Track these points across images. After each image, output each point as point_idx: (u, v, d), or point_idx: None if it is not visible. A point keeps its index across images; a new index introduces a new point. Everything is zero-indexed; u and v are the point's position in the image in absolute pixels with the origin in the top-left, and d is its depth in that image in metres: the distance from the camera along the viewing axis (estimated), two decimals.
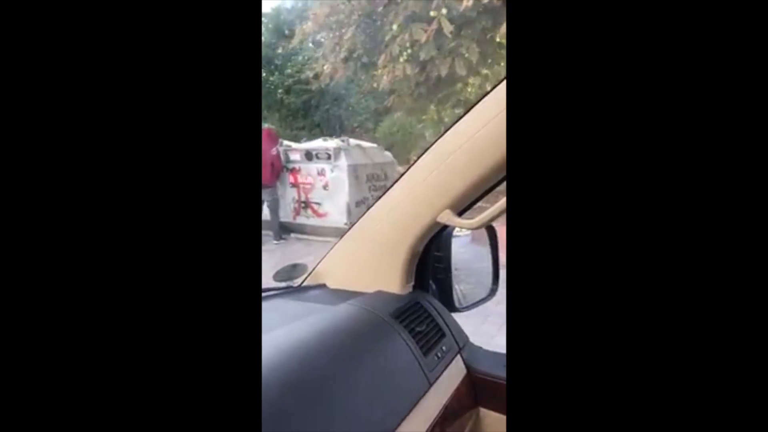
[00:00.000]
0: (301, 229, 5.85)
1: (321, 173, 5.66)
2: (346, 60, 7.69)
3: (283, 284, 0.89)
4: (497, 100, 0.68)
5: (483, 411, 0.79)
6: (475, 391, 0.81)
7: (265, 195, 5.40)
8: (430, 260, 0.88)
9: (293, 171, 5.85)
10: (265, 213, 5.42)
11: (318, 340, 0.62)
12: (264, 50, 12.15)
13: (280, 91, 12.23)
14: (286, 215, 5.85)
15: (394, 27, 6.39)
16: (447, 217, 0.75)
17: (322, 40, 8.44)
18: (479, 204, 0.78)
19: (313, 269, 0.91)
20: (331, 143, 5.72)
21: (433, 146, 0.76)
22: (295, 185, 5.87)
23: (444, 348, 0.78)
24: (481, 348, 0.86)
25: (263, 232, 5.26)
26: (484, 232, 0.96)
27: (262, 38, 12.14)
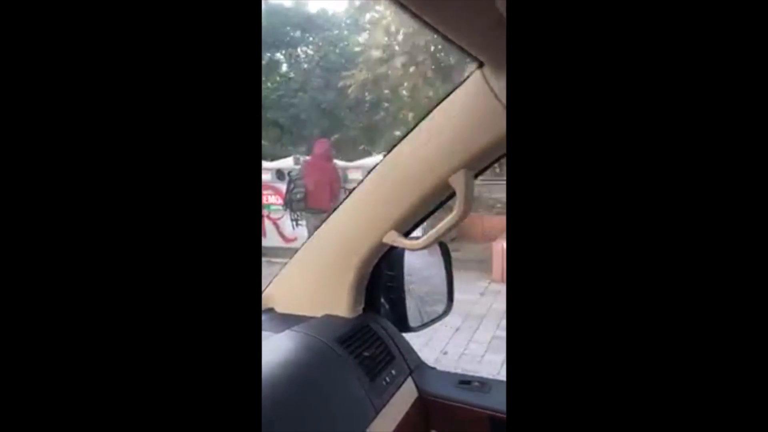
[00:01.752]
0: None
1: None
2: (404, 66, 6.88)
3: None
4: (436, 121, 0.67)
5: None
6: (427, 414, 0.78)
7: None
8: (382, 279, 0.87)
9: None
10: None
11: None
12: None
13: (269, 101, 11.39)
14: None
15: None
16: (392, 238, 0.74)
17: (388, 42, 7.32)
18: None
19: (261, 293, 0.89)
20: None
21: (377, 167, 0.75)
22: None
23: (393, 372, 0.76)
24: (434, 369, 0.83)
25: None
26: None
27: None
